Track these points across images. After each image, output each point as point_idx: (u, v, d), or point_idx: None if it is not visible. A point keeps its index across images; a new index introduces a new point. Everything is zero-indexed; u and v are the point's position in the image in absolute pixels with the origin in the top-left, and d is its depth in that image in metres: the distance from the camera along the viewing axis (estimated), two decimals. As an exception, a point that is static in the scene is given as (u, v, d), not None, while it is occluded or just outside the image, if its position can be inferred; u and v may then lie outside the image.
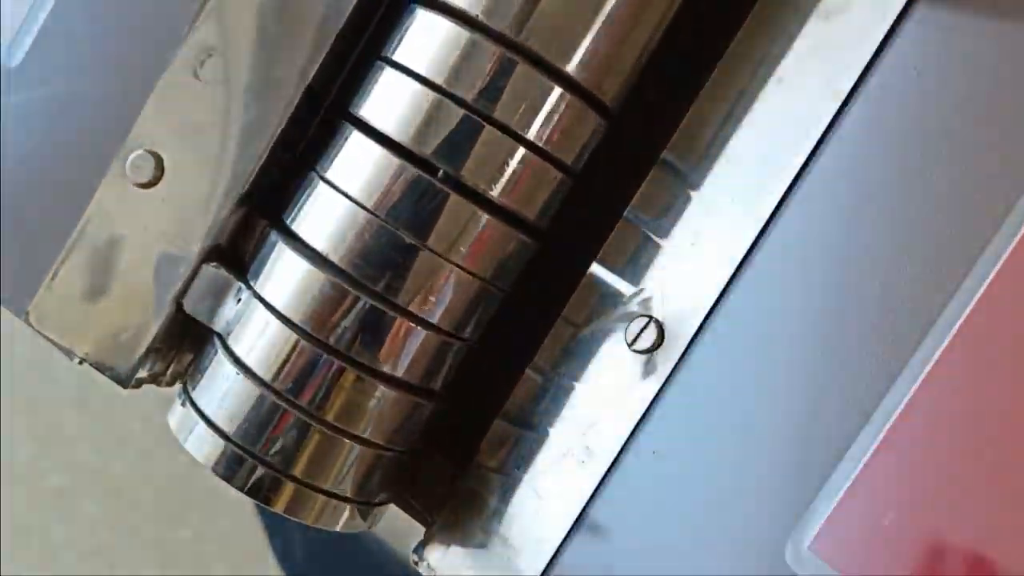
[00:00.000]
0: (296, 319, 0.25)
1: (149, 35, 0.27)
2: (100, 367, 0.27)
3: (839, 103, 0.25)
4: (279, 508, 0.25)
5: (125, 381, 0.27)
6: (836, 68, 0.25)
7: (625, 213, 0.27)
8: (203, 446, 0.26)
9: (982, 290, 0.24)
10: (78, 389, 1.08)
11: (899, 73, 0.25)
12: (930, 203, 0.25)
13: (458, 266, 0.25)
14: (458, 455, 0.29)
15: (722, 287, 0.26)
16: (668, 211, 0.26)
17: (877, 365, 0.25)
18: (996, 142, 0.25)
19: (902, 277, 0.25)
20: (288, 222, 0.26)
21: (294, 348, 0.25)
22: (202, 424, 0.26)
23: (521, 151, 0.24)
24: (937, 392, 0.25)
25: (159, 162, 0.27)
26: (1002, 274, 0.24)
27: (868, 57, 0.25)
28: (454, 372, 0.27)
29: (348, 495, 0.26)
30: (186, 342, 0.29)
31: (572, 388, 0.27)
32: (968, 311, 0.24)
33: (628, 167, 0.27)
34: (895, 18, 0.25)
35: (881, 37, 0.25)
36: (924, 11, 0.25)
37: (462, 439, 0.29)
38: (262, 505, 0.26)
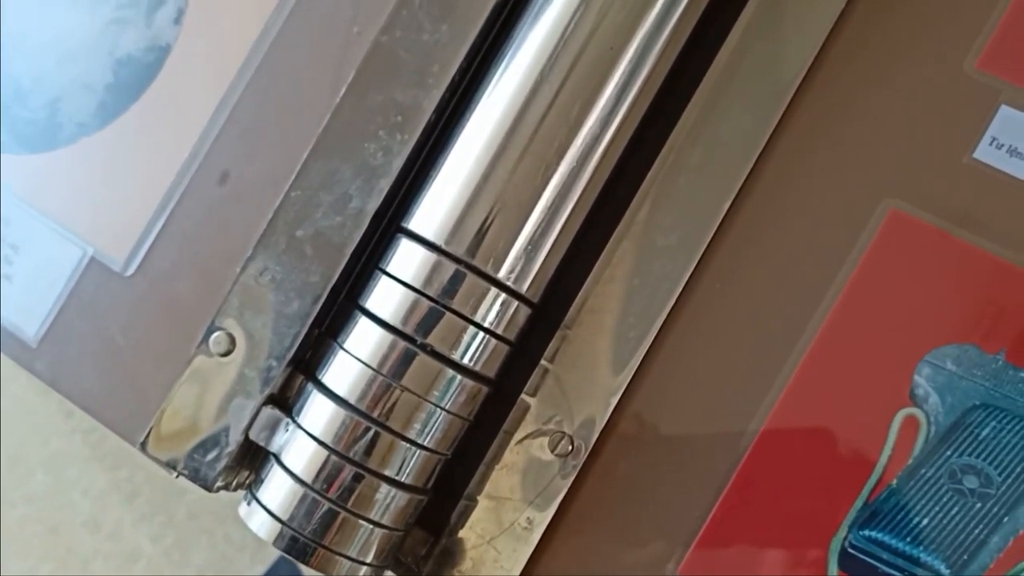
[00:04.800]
0: (327, 442, 0.37)
1: (227, 255, 0.41)
2: (193, 478, 0.40)
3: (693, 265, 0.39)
4: (314, 567, 0.38)
5: (210, 487, 0.40)
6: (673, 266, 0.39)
7: (541, 361, 0.40)
8: (266, 530, 0.38)
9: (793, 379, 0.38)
10: (92, 514, 1.17)
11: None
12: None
13: (437, 405, 0.38)
14: (432, 526, 0.40)
15: (611, 410, 0.40)
16: (569, 362, 0.40)
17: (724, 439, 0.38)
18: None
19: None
20: (319, 377, 0.39)
21: (326, 462, 0.37)
22: (265, 514, 0.38)
23: (471, 329, 0.38)
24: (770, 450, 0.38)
25: (232, 339, 0.40)
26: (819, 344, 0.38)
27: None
28: (436, 475, 0.40)
29: (365, 560, 0.38)
30: (245, 462, 0.42)
31: (513, 479, 0.40)
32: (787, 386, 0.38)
33: (542, 327, 0.41)
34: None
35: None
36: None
37: (435, 515, 0.40)
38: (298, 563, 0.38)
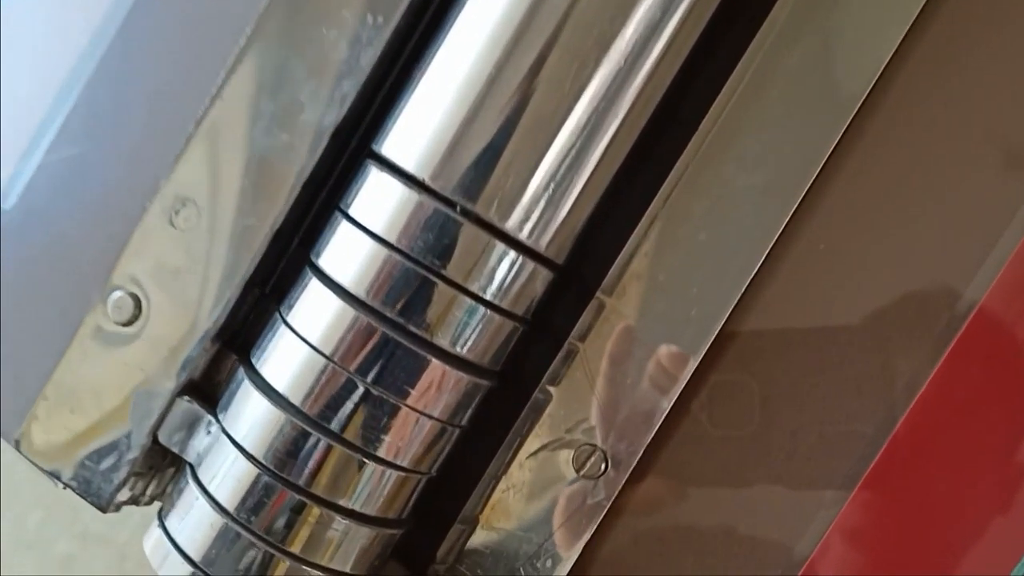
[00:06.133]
0: (258, 455, 0.26)
1: (129, 184, 0.29)
2: (82, 494, 0.29)
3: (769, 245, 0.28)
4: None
5: (105, 507, 0.29)
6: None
7: (568, 339, 0.29)
8: (173, 571, 0.27)
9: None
10: (87, 455, 1.09)
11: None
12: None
13: (414, 409, 0.26)
14: (414, 557, 0.30)
15: (663, 416, 0.28)
16: (606, 343, 0.28)
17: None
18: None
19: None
20: (254, 360, 0.28)
21: (257, 483, 0.27)
22: (174, 551, 0.27)
23: (471, 304, 0.26)
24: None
25: (137, 303, 0.29)
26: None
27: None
28: (415, 500, 0.29)
29: (309, 619, 0.28)
30: (166, 461, 0.31)
31: (524, 505, 0.29)
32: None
33: (569, 297, 0.29)
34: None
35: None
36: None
37: (418, 541, 0.30)
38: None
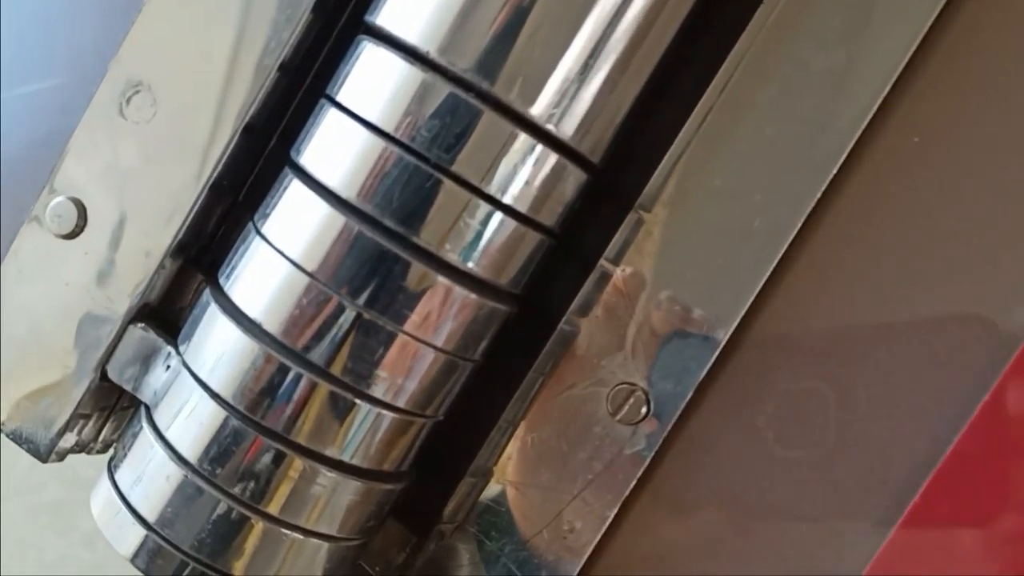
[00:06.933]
0: (226, 394, 0.22)
1: (76, 58, 0.24)
2: (18, 439, 0.24)
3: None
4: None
5: (44, 456, 0.24)
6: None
7: (600, 261, 0.24)
8: (124, 535, 0.22)
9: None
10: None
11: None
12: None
13: (415, 338, 0.22)
14: (417, 516, 0.26)
15: (719, 350, 0.23)
16: (648, 265, 0.23)
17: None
18: None
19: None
20: (223, 281, 0.23)
21: (223, 427, 0.22)
22: (124, 510, 0.22)
23: (486, 209, 0.21)
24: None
25: (81, 211, 0.24)
26: None
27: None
28: (417, 449, 0.24)
29: (289, 591, 0.23)
30: (121, 400, 0.26)
31: (549, 456, 0.24)
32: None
33: (604, 211, 0.24)
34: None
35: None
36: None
37: (419, 499, 0.25)
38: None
